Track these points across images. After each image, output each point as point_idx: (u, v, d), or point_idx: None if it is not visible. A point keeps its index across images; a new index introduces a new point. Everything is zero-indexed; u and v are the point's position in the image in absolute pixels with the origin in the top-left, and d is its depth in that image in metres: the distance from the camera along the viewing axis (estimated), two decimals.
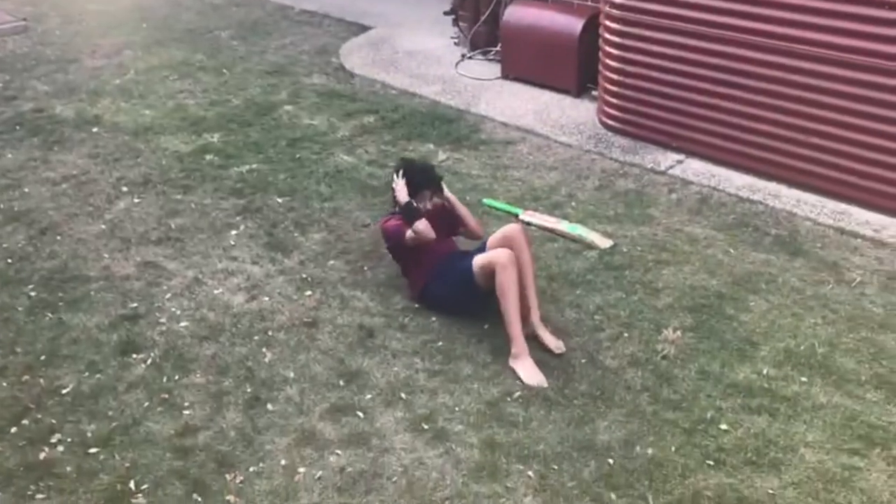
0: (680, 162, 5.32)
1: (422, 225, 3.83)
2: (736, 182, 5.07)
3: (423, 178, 4.05)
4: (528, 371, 3.55)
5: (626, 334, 3.81)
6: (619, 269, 4.27)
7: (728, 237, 4.55)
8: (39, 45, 7.76)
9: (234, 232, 4.70)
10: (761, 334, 3.79)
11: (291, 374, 3.63)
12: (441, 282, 3.90)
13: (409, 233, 3.87)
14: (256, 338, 3.86)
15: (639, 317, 3.91)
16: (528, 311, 3.71)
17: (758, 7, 4.75)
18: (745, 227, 4.63)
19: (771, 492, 2.99)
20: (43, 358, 3.74)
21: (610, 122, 5.74)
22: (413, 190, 3.97)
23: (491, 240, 3.87)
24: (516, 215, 4.75)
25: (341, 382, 3.58)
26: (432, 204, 4.04)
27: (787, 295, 4.06)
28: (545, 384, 3.50)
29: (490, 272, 3.65)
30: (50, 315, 4.03)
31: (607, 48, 5.58)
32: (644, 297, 4.06)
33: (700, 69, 5.12)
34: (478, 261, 3.73)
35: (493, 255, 3.68)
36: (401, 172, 4.03)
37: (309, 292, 4.18)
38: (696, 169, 5.24)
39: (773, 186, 4.99)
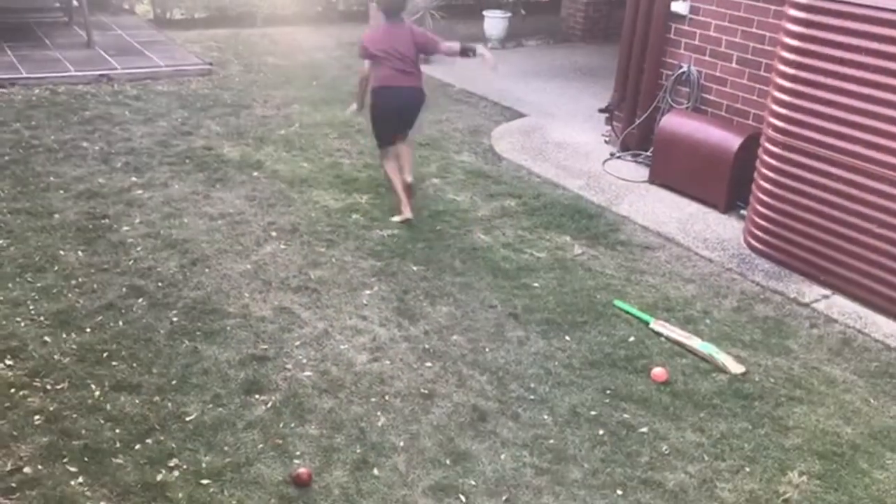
0: (826, 297, 5.11)
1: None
2: (883, 328, 4.81)
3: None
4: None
5: (747, 469, 3.63)
6: (749, 398, 4.11)
7: (869, 385, 4.30)
8: (219, 88, 8.38)
9: (367, 292, 4.85)
10: None
11: (401, 443, 3.66)
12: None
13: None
14: (373, 399, 3.93)
15: (763, 453, 3.73)
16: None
17: None
18: (890, 378, 4.37)
19: None
20: (174, 382, 3.94)
21: (756, 243, 5.60)
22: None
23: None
24: (647, 323, 4.67)
25: (448, 461, 3.58)
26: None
27: None
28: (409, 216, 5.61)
29: None
30: (187, 342, 4.25)
31: (763, 170, 5.48)
32: (771, 432, 3.87)
33: (856, 205, 4.94)
34: None
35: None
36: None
37: (429, 363, 4.24)
38: (841, 307, 5.01)
39: None
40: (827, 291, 5.16)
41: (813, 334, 4.74)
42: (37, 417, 3.65)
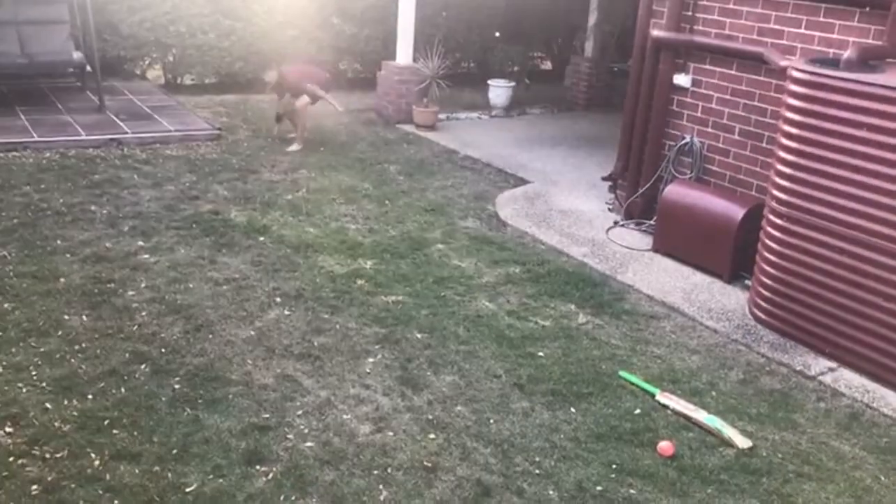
0: (832, 370, 5.07)
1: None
2: (892, 402, 4.76)
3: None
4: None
5: None
6: (757, 473, 4.04)
7: (879, 462, 4.24)
8: (227, 153, 8.49)
9: (371, 359, 4.82)
10: None
11: None
12: None
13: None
14: (375, 472, 3.88)
15: None
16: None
17: None
18: None
19: None
20: (175, 452, 3.90)
21: (761, 314, 5.59)
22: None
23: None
24: (653, 395, 4.63)
25: None
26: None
27: None
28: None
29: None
30: (189, 411, 4.22)
31: (767, 241, 5.51)
32: None
33: (862, 278, 4.95)
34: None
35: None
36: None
37: (433, 435, 4.19)
38: (848, 380, 4.97)
39: None
40: (833, 364, 5.13)
41: (820, 408, 4.69)
42: (34, 487, 3.59)
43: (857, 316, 5.01)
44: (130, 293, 5.37)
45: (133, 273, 5.65)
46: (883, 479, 4.10)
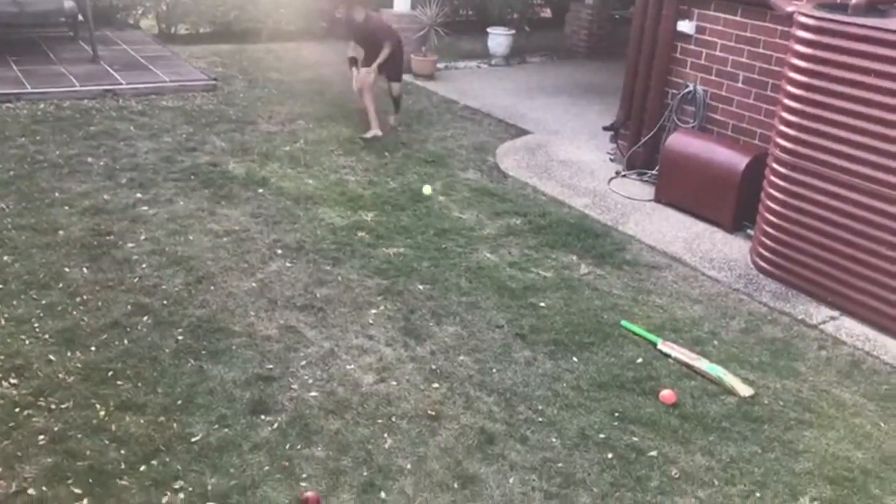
0: (833, 318, 5.09)
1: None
2: (893, 350, 4.78)
3: None
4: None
5: (758, 494, 3.60)
6: (758, 421, 4.08)
7: (879, 409, 4.27)
8: (223, 104, 8.38)
9: (373, 311, 4.82)
10: None
11: (408, 466, 3.63)
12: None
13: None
14: (380, 421, 3.90)
15: (774, 477, 3.70)
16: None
17: None
18: None
19: None
20: (179, 403, 3.91)
21: (763, 263, 5.58)
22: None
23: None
24: (655, 344, 4.65)
25: (455, 485, 3.55)
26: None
27: None
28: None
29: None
30: (192, 361, 4.22)
31: (770, 190, 5.47)
32: (781, 456, 3.84)
33: (864, 226, 4.92)
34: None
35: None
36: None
37: (436, 385, 4.21)
38: (850, 329, 4.99)
39: None
40: (835, 313, 5.13)
41: (821, 356, 4.71)
42: (41, 437, 3.61)
43: (860, 265, 5.00)
44: (130, 245, 5.34)
45: (132, 225, 5.62)
46: (883, 425, 4.13)
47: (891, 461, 3.87)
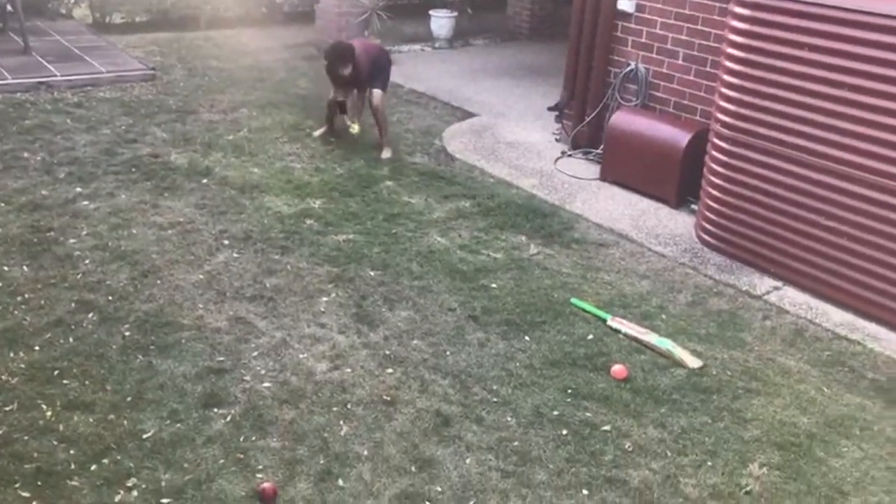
0: (777, 288, 5.22)
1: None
2: (834, 318, 4.93)
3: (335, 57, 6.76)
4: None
5: (709, 462, 3.69)
6: (707, 392, 4.17)
7: (822, 374, 4.40)
8: (163, 94, 8.20)
9: (324, 299, 4.79)
10: (852, 484, 3.62)
11: (365, 452, 3.63)
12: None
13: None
14: (335, 409, 3.89)
15: (724, 446, 3.79)
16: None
17: (869, 144, 4.69)
18: (841, 367, 4.48)
19: None
20: (129, 399, 3.84)
21: (707, 237, 5.69)
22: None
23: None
24: (604, 320, 4.71)
25: (413, 469, 3.56)
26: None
27: (883, 445, 3.88)
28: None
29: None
30: (141, 357, 4.15)
31: (712, 165, 5.57)
32: (731, 425, 3.93)
33: (805, 198, 5.05)
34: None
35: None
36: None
37: (390, 370, 4.20)
38: (792, 298, 5.12)
39: (872, 328, 4.83)
40: (778, 283, 5.27)
41: (766, 326, 4.83)
42: None
43: (801, 235, 5.13)
44: (72, 241, 5.20)
45: (73, 220, 5.47)
46: (826, 390, 4.26)
47: (834, 424, 4.00)
